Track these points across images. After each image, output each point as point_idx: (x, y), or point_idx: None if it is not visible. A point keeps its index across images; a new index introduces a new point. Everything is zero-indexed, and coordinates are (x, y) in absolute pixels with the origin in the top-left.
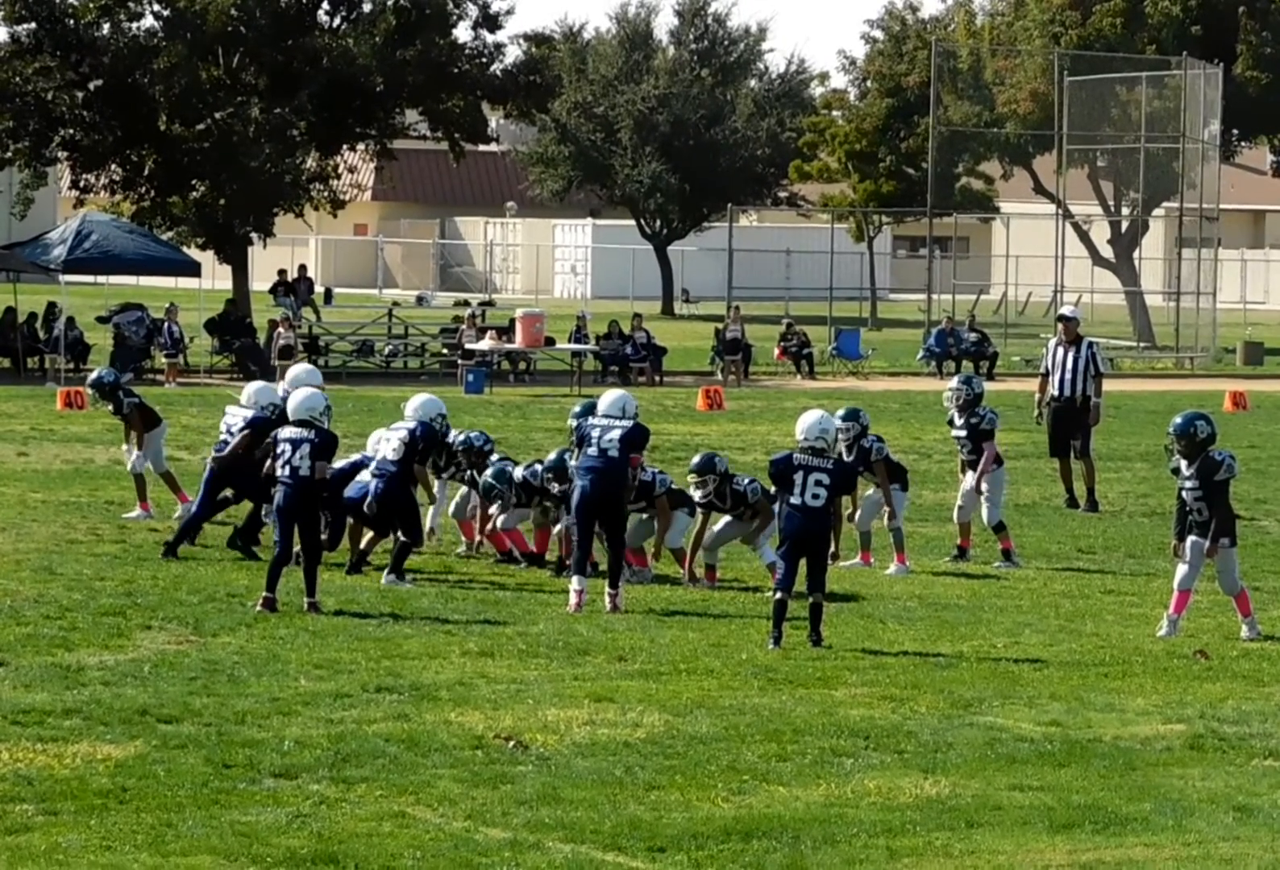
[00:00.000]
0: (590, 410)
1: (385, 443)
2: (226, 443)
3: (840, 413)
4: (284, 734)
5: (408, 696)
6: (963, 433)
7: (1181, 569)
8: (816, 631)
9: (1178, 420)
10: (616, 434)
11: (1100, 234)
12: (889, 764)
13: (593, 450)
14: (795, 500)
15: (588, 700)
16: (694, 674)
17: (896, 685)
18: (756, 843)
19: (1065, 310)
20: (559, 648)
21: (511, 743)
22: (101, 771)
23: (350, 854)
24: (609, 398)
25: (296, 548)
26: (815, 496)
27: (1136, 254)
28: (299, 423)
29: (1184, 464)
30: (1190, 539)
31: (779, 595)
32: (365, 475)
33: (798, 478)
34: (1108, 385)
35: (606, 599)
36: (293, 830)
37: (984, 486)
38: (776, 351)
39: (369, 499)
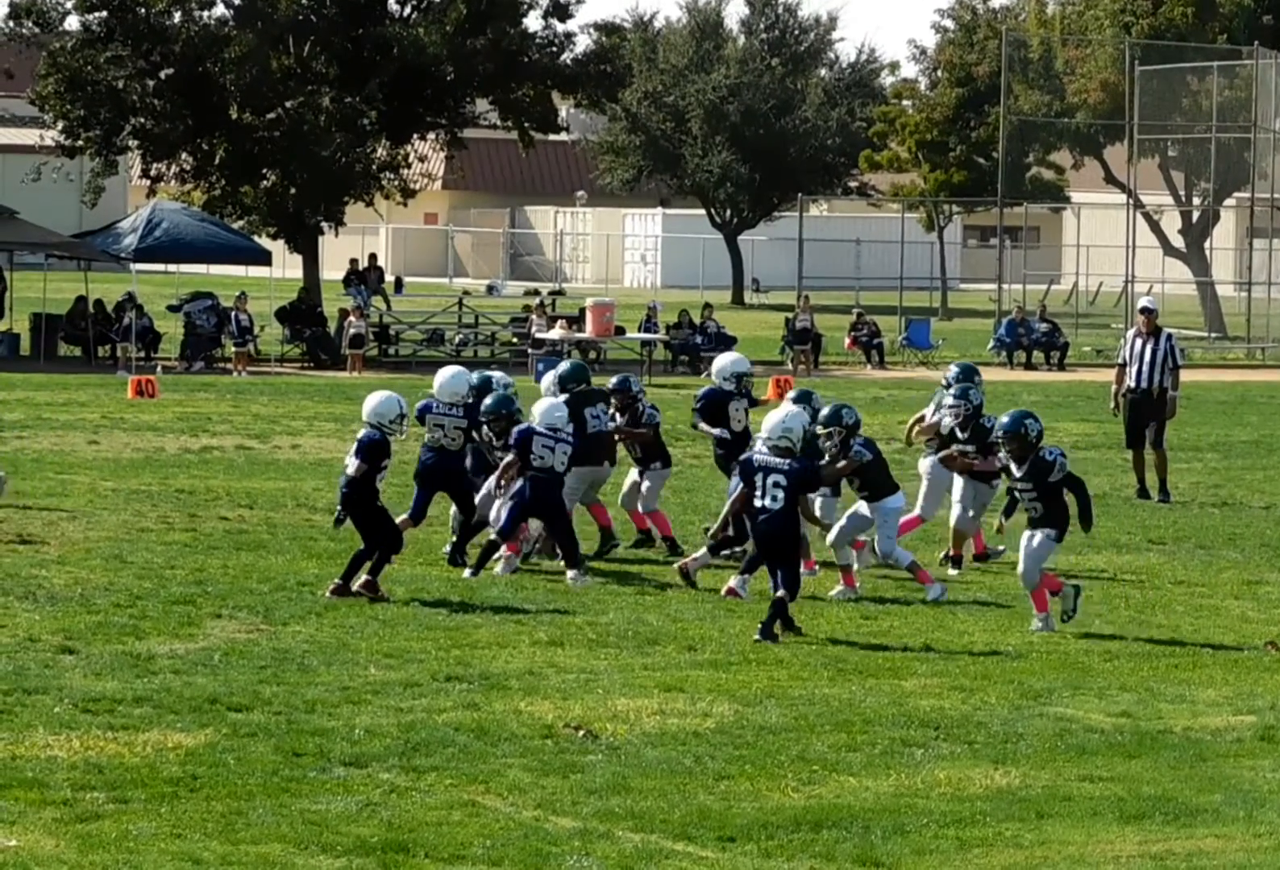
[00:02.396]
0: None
1: (549, 452)
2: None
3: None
4: (354, 723)
5: (477, 685)
6: (971, 447)
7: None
8: (768, 624)
9: (1004, 420)
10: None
11: (1171, 224)
12: (959, 754)
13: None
14: (757, 503)
15: (657, 690)
16: (763, 664)
17: (966, 676)
18: (826, 833)
19: (1144, 302)
20: (629, 637)
21: (581, 732)
22: (172, 760)
23: (420, 843)
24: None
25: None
26: (774, 498)
27: (1207, 244)
28: (367, 425)
29: (1014, 465)
30: (1025, 533)
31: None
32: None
33: (758, 479)
34: None
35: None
36: (363, 819)
37: (973, 493)
38: (847, 341)
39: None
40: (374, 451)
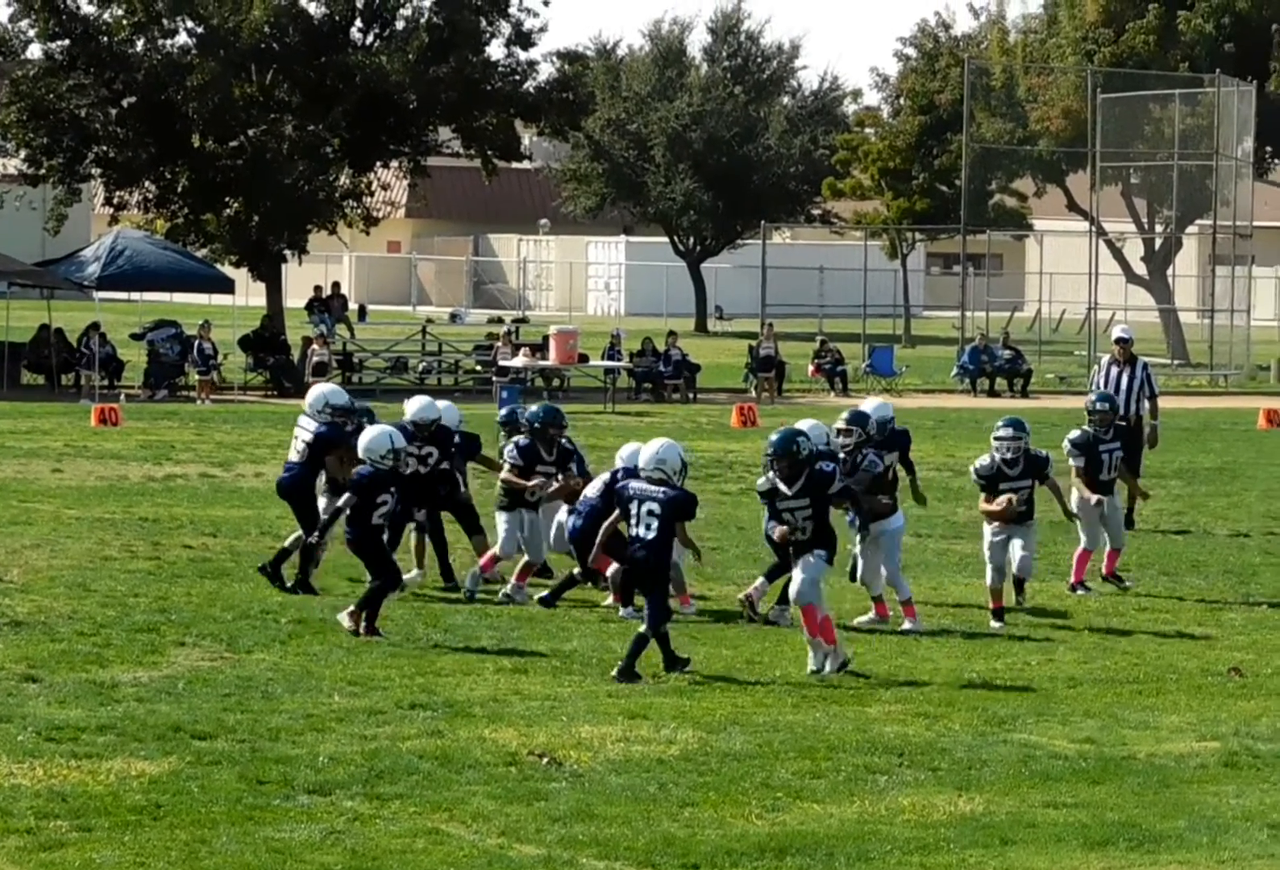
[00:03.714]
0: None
1: (590, 486)
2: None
3: (844, 415)
4: (318, 750)
5: (441, 713)
6: (1026, 482)
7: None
8: (629, 658)
9: (774, 438)
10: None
11: (1134, 251)
12: (923, 781)
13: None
14: (631, 531)
15: (621, 717)
16: (727, 691)
17: (930, 702)
18: (790, 860)
19: (1119, 331)
20: (592, 665)
21: (545, 759)
22: (135, 788)
23: None
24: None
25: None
26: (648, 526)
27: (1170, 271)
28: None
29: (783, 485)
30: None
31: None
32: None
33: (632, 508)
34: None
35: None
36: (326, 847)
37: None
38: (810, 368)
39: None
40: (363, 489)
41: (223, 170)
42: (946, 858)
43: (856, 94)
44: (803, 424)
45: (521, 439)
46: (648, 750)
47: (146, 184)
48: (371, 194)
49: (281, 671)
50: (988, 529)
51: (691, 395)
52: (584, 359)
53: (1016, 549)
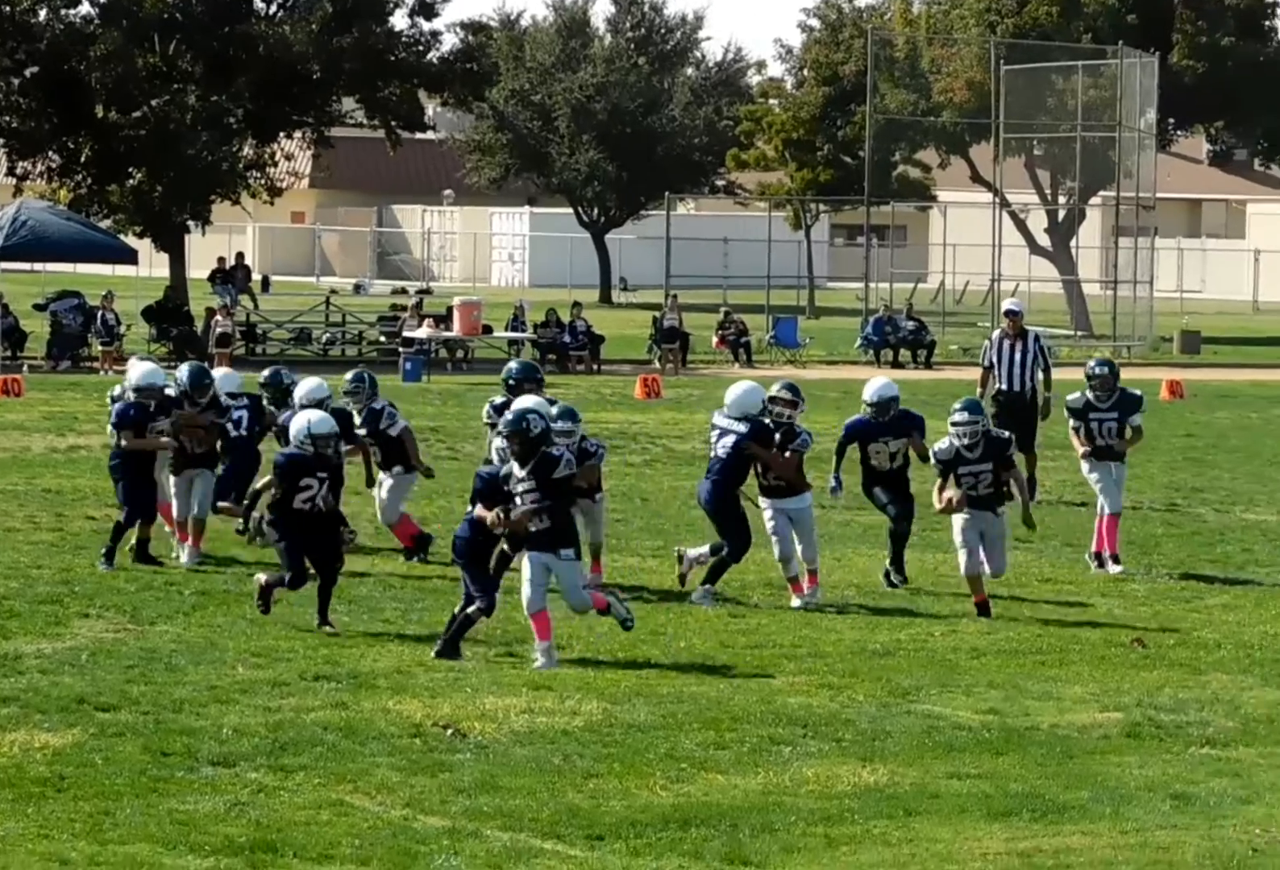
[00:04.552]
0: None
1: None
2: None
3: (783, 383)
4: (222, 722)
5: (346, 685)
6: (986, 465)
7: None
8: (453, 634)
9: (509, 416)
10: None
11: (1037, 223)
12: (827, 752)
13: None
14: None
15: (526, 688)
16: (632, 662)
17: (834, 673)
18: (695, 831)
19: (1009, 304)
20: (497, 636)
21: (450, 731)
22: (39, 760)
23: (288, 842)
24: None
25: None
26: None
27: (1073, 243)
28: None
29: (517, 466)
30: (528, 555)
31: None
32: None
33: None
34: None
35: None
36: (231, 818)
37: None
38: (715, 340)
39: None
40: (281, 472)
41: (126, 141)
42: (851, 829)
43: (760, 65)
44: (767, 387)
45: (497, 398)
46: (552, 721)
47: (50, 154)
48: (275, 164)
49: (185, 643)
50: (957, 516)
51: (596, 366)
52: (488, 330)
53: (987, 545)
